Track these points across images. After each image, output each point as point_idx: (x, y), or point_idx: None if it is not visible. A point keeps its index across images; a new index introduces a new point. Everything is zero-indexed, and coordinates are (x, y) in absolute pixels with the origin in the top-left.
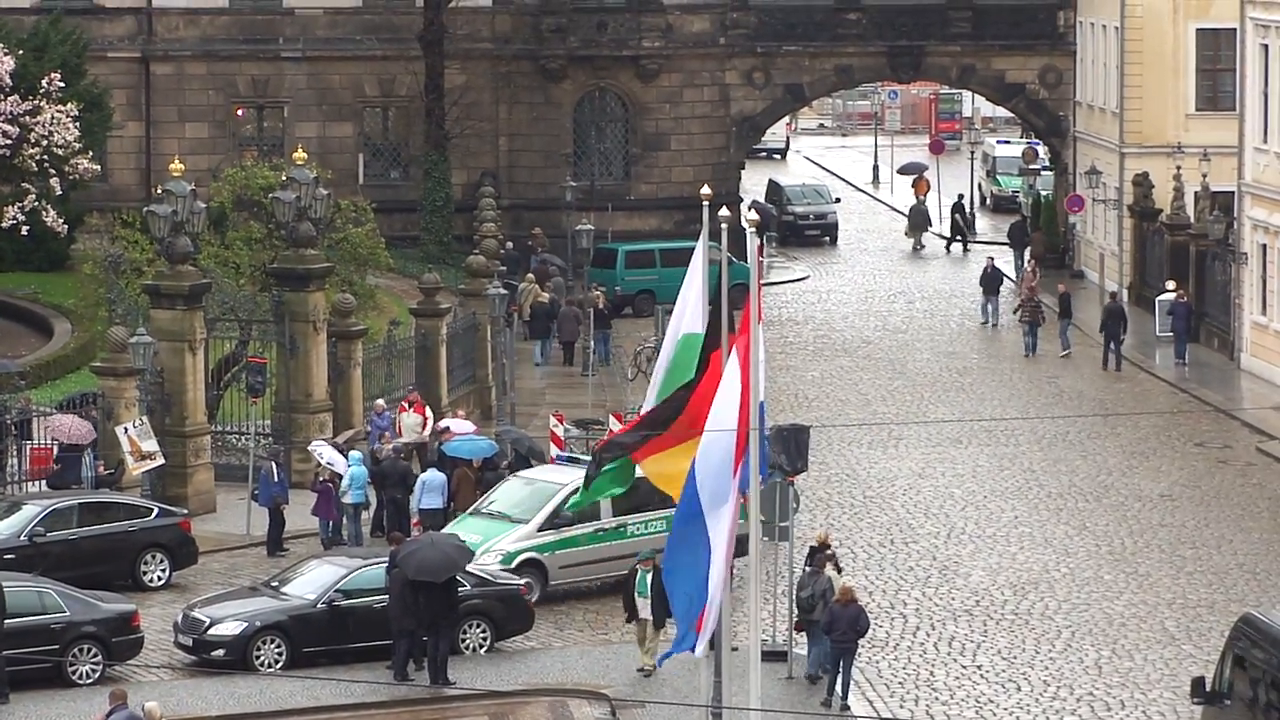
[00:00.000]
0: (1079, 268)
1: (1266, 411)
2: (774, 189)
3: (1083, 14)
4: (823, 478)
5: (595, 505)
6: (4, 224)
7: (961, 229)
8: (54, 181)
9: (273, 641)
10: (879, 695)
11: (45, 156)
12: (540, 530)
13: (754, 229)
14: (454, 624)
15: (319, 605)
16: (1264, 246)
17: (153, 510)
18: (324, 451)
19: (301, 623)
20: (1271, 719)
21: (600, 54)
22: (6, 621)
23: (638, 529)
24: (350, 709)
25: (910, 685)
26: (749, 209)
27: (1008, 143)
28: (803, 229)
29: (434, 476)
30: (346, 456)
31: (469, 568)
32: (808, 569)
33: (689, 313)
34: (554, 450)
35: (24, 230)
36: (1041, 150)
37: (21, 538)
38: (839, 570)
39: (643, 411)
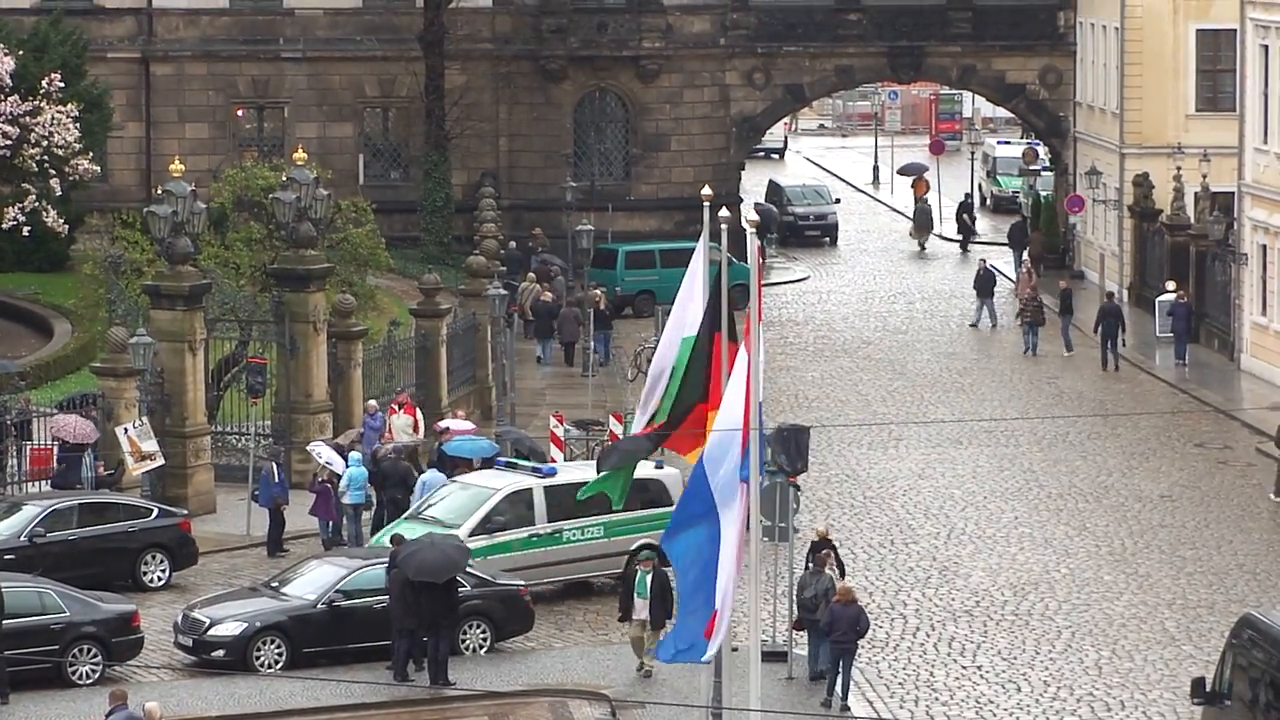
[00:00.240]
0: (1079, 268)
1: (1266, 412)
2: (774, 189)
3: (1083, 14)
4: (823, 478)
5: (529, 510)
6: (4, 225)
7: (968, 229)
8: (54, 182)
9: (273, 642)
10: (879, 696)
11: (45, 157)
12: (471, 535)
13: (754, 230)
14: (454, 624)
15: (319, 606)
16: (1264, 247)
17: (153, 511)
18: (322, 451)
19: (301, 623)
20: (1272, 719)
21: (600, 54)
22: (6, 622)
23: (574, 535)
24: (350, 709)
25: (910, 686)
26: (753, 210)
27: (1008, 143)
28: (803, 229)
29: (435, 477)
30: (347, 457)
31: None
32: (810, 568)
33: (690, 315)
34: (554, 450)
35: (24, 231)
36: (1042, 151)
37: (21, 538)
38: (842, 573)
39: (645, 412)
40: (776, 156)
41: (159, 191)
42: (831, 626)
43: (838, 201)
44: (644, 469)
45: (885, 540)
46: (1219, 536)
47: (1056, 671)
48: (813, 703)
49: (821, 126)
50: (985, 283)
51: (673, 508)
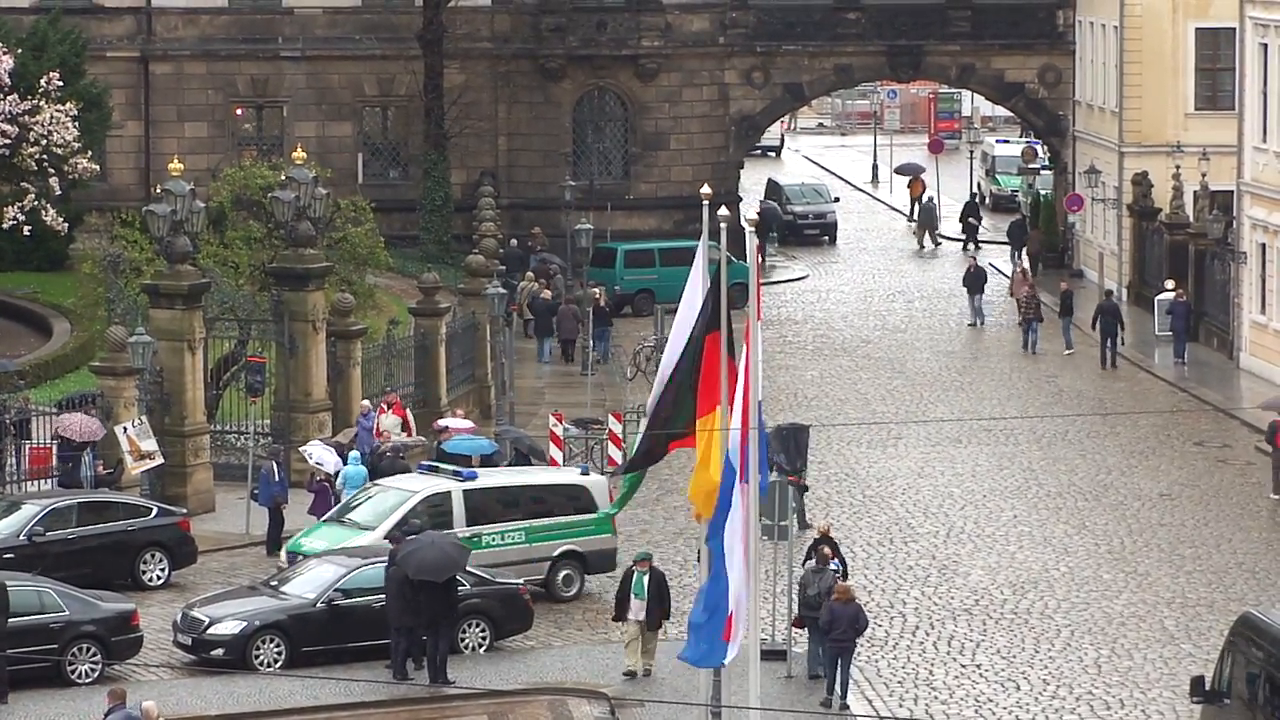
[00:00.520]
0: (1078, 267)
1: (1264, 410)
2: (773, 188)
3: (1082, 13)
4: (822, 477)
5: (448, 514)
6: (4, 224)
7: (973, 228)
8: (53, 181)
9: (272, 641)
10: (878, 694)
11: (44, 156)
12: (387, 538)
13: (753, 228)
14: (453, 623)
15: (318, 605)
16: (1263, 246)
17: (152, 509)
18: (313, 451)
19: (301, 622)
20: (1271, 718)
21: (599, 53)
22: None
23: (494, 539)
24: (350, 708)
25: (909, 684)
26: (756, 209)
27: (1007, 142)
28: (802, 228)
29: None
30: (346, 456)
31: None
32: (811, 566)
33: (695, 318)
34: (553, 450)
35: (24, 230)
36: (1041, 149)
37: (21, 537)
38: (845, 574)
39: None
40: (773, 154)
41: (158, 190)
42: (831, 625)
43: (837, 200)
44: (570, 475)
45: (885, 539)
46: (1218, 535)
47: (1056, 670)
48: (812, 701)
49: (821, 125)
50: (975, 281)
51: (599, 513)
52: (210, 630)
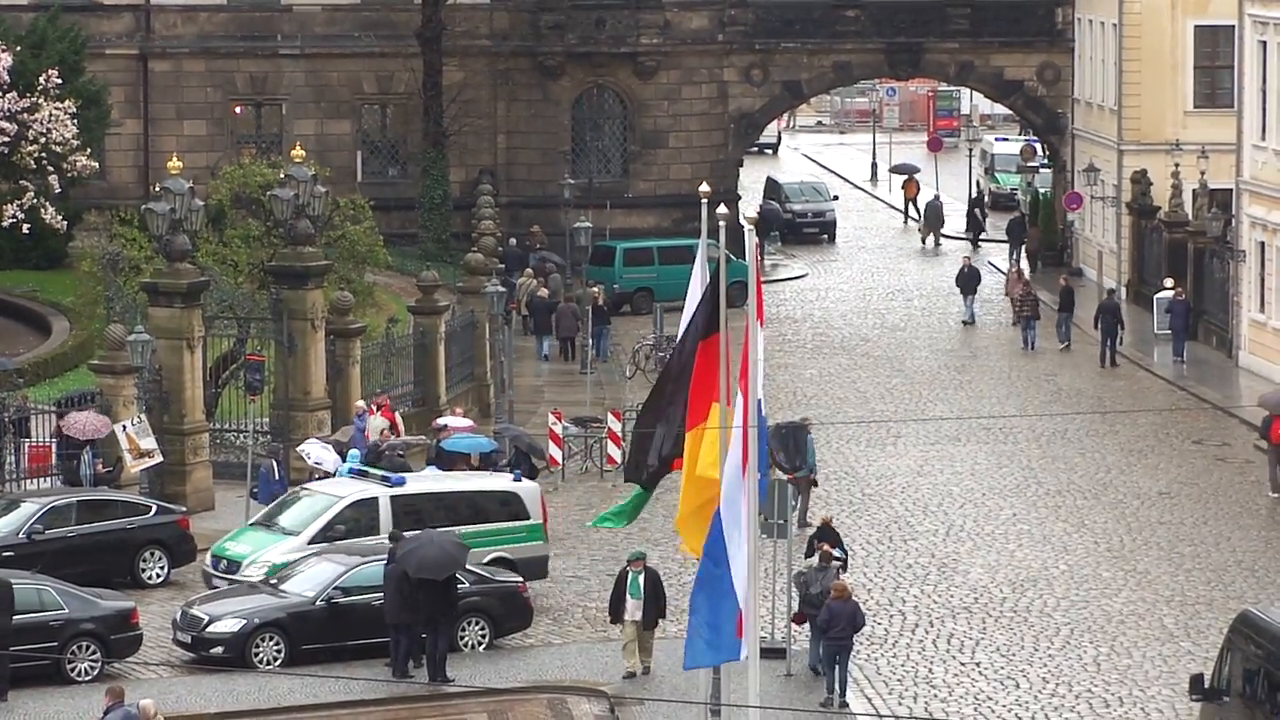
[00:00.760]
0: (1077, 265)
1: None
2: (772, 186)
3: (1081, 11)
4: (821, 475)
5: (374, 519)
6: (3, 222)
7: (979, 225)
8: (52, 179)
9: (271, 639)
10: (877, 692)
11: (43, 154)
12: (311, 543)
13: (753, 227)
14: (453, 621)
15: (318, 603)
16: (1262, 244)
17: (151, 508)
18: (311, 451)
19: (300, 620)
20: (1270, 716)
21: (598, 51)
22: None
23: None
24: (349, 706)
25: (909, 682)
26: (757, 209)
27: (1006, 140)
28: (801, 226)
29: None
30: (345, 454)
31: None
32: (814, 563)
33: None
34: (553, 448)
35: (23, 228)
36: (1040, 147)
37: (20, 535)
38: (845, 565)
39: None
40: (770, 151)
41: (157, 189)
42: (830, 623)
43: (836, 198)
44: (502, 482)
45: (884, 537)
46: (1217, 533)
47: (1055, 668)
48: (812, 700)
49: (820, 123)
50: (969, 280)
51: (530, 520)
52: (210, 628)
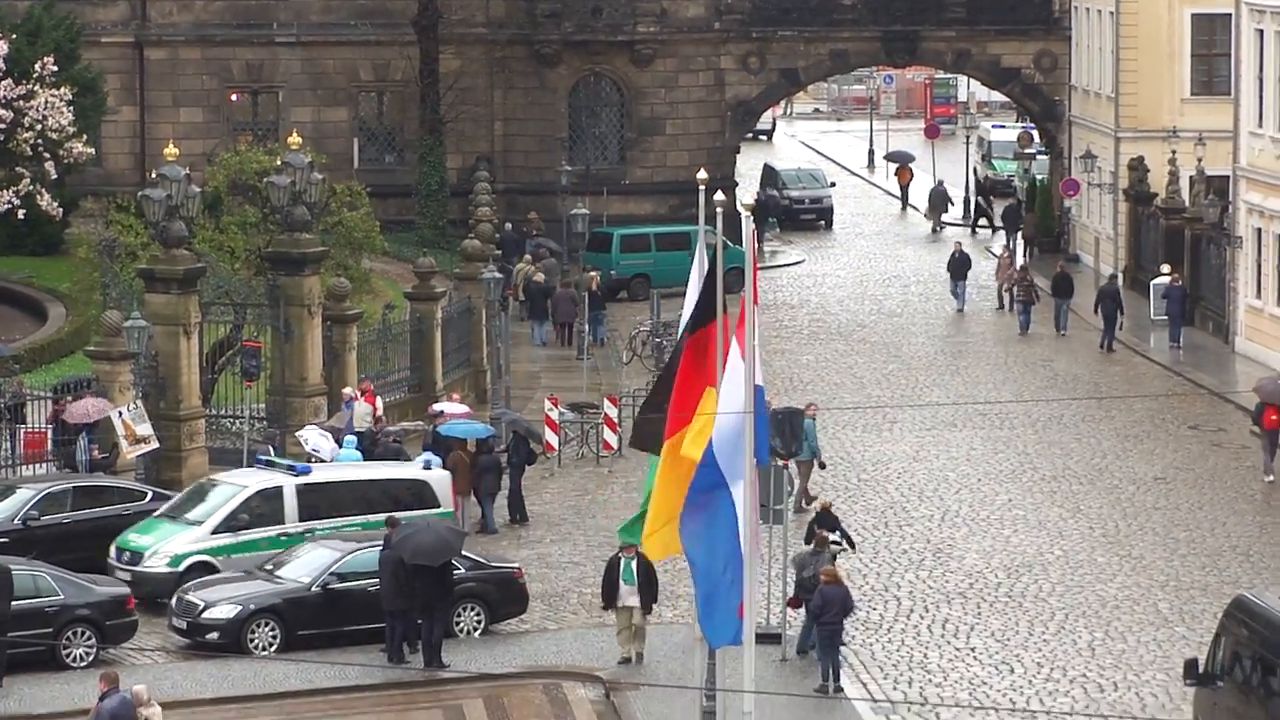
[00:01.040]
0: (1074, 252)
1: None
2: (769, 173)
3: None
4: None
5: (279, 509)
6: None
7: (985, 211)
8: (48, 166)
9: (267, 624)
10: (872, 677)
11: (39, 141)
12: (215, 533)
13: (749, 214)
14: (448, 607)
15: (313, 588)
16: (1259, 230)
17: (147, 494)
18: (309, 437)
19: (296, 606)
20: (1264, 700)
21: (595, 39)
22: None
23: (325, 534)
24: (345, 692)
25: (904, 667)
26: (755, 197)
27: (1003, 127)
28: (798, 213)
29: (429, 459)
30: (342, 440)
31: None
32: (809, 548)
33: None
34: (549, 434)
35: (19, 214)
36: (1036, 134)
37: (15, 521)
38: (851, 546)
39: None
40: (765, 138)
41: (153, 175)
42: (823, 609)
43: (833, 185)
44: (412, 470)
45: (879, 522)
46: (1213, 518)
47: (1050, 653)
48: (806, 685)
49: (817, 110)
50: (959, 266)
51: (440, 509)
52: (205, 614)
